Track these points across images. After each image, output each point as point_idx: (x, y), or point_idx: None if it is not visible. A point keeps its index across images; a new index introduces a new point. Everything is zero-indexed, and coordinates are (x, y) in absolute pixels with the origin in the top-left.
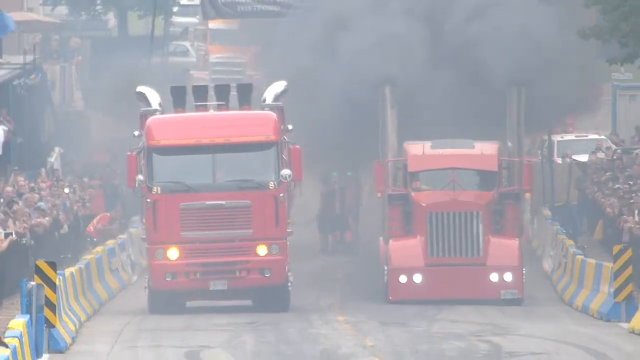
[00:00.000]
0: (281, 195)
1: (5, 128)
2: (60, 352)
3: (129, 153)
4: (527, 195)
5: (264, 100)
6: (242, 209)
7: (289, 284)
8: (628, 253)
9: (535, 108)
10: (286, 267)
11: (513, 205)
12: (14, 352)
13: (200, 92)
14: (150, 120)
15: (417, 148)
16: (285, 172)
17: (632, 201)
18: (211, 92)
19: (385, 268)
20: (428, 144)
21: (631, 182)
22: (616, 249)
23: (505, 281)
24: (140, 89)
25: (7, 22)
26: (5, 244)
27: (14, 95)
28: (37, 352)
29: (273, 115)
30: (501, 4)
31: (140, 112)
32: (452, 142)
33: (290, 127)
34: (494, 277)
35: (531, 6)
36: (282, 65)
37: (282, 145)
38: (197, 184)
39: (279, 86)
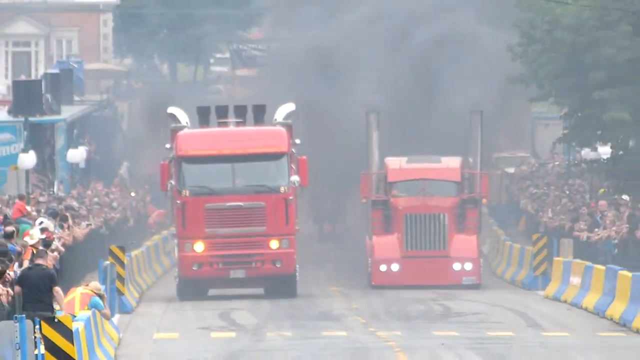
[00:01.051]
0: (290, 198)
1: (87, 148)
2: (128, 313)
3: (161, 162)
4: (484, 200)
5: (276, 119)
6: (258, 209)
7: (297, 273)
8: (543, 240)
9: (485, 131)
10: (295, 259)
11: (473, 208)
12: (94, 313)
13: (222, 111)
14: (180, 134)
15: (395, 162)
16: (294, 178)
17: (546, 201)
18: (231, 112)
19: (369, 259)
20: (404, 159)
21: (545, 188)
22: (535, 236)
23: (465, 270)
24: (170, 109)
25: (80, 75)
26: (85, 231)
27: (93, 124)
28: (111, 311)
29: (284, 130)
30: (466, 48)
31: (170, 128)
32: (423, 157)
33: (298, 141)
34: (456, 266)
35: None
36: (287, 94)
37: (291, 156)
38: (220, 188)
39: (288, 107)
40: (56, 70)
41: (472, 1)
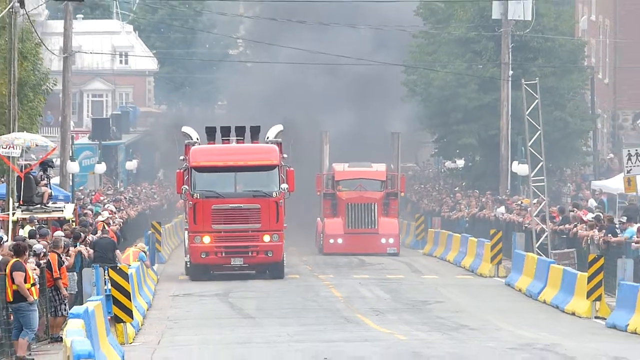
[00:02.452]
0: (280, 201)
1: (137, 161)
2: (163, 263)
3: (177, 171)
4: (402, 194)
5: (268, 137)
6: (254, 210)
7: (284, 261)
8: (422, 218)
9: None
10: (282, 250)
11: (394, 199)
12: (141, 263)
13: (225, 131)
14: (192, 148)
15: (340, 167)
16: (284, 185)
17: (424, 194)
18: (233, 131)
19: (322, 235)
20: (346, 164)
21: (424, 185)
22: (417, 216)
23: (389, 243)
24: (184, 128)
25: (134, 115)
26: (136, 212)
27: (142, 145)
28: (152, 262)
29: (276, 147)
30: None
31: (184, 143)
32: (359, 163)
33: (285, 155)
34: (383, 240)
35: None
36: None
37: (281, 167)
38: (224, 192)
39: (277, 128)
40: (119, 112)
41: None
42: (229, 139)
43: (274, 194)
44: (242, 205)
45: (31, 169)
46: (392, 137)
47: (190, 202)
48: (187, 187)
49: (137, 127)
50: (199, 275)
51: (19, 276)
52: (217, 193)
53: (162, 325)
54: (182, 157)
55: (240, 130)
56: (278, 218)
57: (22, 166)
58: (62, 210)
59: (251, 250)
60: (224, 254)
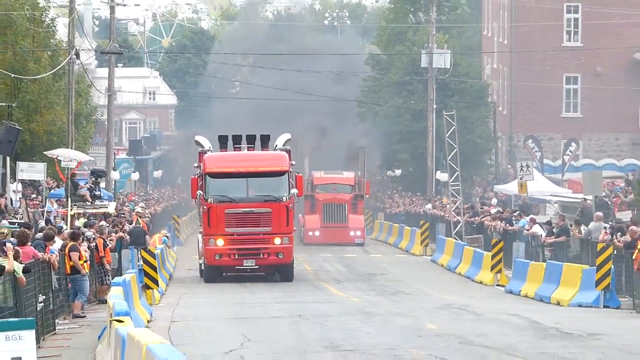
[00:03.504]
0: (290, 205)
1: (162, 171)
2: (181, 245)
3: (192, 177)
4: (367, 196)
5: (276, 145)
6: (265, 213)
7: (294, 262)
8: (370, 213)
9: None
10: (292, 251)
11: (361, 200)
12: (165, 246)
13: (237, 139)
14: (206, 155)
15: (318, 174)
16: (293, 190)
17: (386, 199)
18: (244, 140)
19: (302, 228)
20: (323, 172)
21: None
22: (366, 210)
23: (357, 235)
24: (197, 138)
25: (159, 137)
26: (159, 208)
27: (166, 159)
28: (172, 245)
29: (285, 154)
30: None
31: (198, 151)
32: (333, 171)
33: (293, 162)
34: (351, 232)
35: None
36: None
37: (290, 173)
38: (237, 197)
39: (285, 136)
40: (148, 135)
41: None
42: (240, 147)
43: (284, 198)
44: (253, 209)
45: (72, 175)
46: (359, 150)
47: (205, 207)
48: (202, 193)
49: (162, 146)
50: (212, 277)
51: (74, 255)
52: (230, 198)
53: (180, 291)
54: (195, 165)
55: (250, 139)
56: (288, 221)
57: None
58: (107, 207)
59: (263, 252)
60: (236, 256)
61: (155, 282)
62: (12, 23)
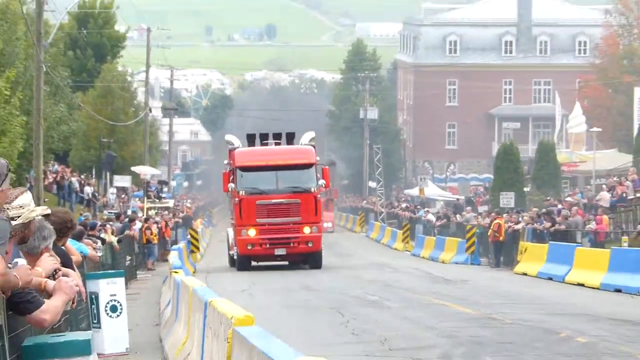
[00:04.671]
0: (318, 196)
1: (201, 181)
2: (214, 227)
3: (223, 172)
4: (335, 198)
5: (301, 142)
6: (295, 204)
7: (322, 251)
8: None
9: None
10: (321, 240)
11: (331, 201)
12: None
13: (264, 137)
14: (237, 150)
15: None
16: (321, 182)
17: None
18: (270, 137)
19: None
20: None
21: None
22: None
23: (329, 226)
24: (227, 137)
25: (201, 159)
26: (200, 203)
27: (203, 174)
28: (208, 225)
29: (312, 148)
30: None
31: (228, 149)
32: None
33: (318, 158)
34: (325, 224)
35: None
36: None
37: (317, 166)
38: (267, 189)
39: (309, 134)
40: (193, 159)
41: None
42: (267, 143)
43: (312, 189)
44: (283, 200)
45: (147, 184)
46: (330, 165)
47: (236, 199)
48: (234, 186)
49: (201, 166)
50: (245, 266)
51: (148, 232)
52: (260, 190)
53: (214, 254)
54: (226, 162)
55: (277, 136)
56: (316, 211)
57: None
58: (168, 203)
59: (293, 241)
60: (268, 245)
61: (197, 248)
62: (111, 90)
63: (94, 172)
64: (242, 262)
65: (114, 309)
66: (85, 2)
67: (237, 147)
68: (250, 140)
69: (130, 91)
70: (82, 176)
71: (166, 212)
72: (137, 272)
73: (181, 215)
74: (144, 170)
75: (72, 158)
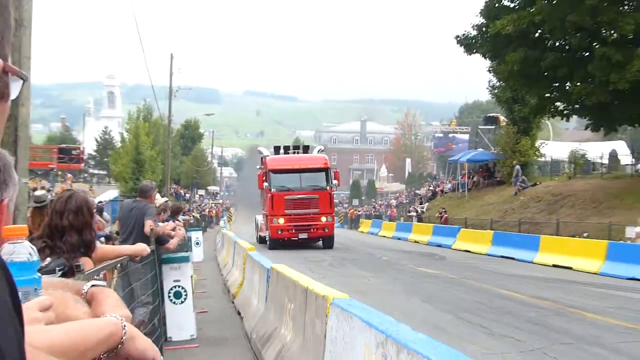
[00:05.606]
0: (332, 193)
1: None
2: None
3: (258, 173)
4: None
5: (315, 152)
6: (314, 199)
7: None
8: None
9: None
10: (334, 227)
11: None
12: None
13: (286, 148)
14: (268, 158)
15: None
16: (334, 182)
17: None
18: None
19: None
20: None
21: None
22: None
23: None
24: (259, 148)
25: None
26: (219, 209)
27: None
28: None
29: (326, 156)
30: None
31: (260, 157)
32: None
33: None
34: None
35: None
36: None
37: (329, 170)
38: (293, 187)
39: (319, 147)
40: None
41: None
42: (289, 152)
43: (327, 187)
44: (305, 196)
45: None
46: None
47: (269, 195)
48: (267, 184)
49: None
50: (275, 247)
51: (212, 212)
52: (288, 187)
53: (238, 224)
54: (258, 167)
55: (296, 147)
56: (331, 204)
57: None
58: (219, 201)
59: (313, 227)
60: (293, 230)
61: (231, 219)
62: (197, 155)
63: (190, 188)
64: (273, 244)
65: (177, 295)
66: (189, 120)
67: (267, 156)
68: (277, 150)
69: (205, 155)
70: (185, 189)
71: (219, 204)
72: (207, 228)
73: (225, 206)
74: (212, 188)
75: (182, 182)
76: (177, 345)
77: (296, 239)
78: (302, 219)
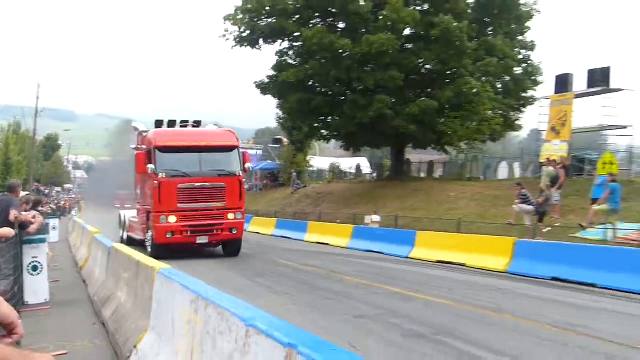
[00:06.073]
0: (243, 180)
1: None
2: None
3: (137, 153)
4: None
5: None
6: (219, 188)
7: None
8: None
9: None
10: (243, 227)
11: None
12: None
13: (171, 123)
14: (154, 131)
15: None
16: (248, 165)
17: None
18: (178, 124)
19: None
20: None
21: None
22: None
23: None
24: (133, 124)
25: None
26: (72, 202)
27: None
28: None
29: (233, 131)
30: None
31: (137, 133)
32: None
33: (240, 142)
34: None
35: None
36: None
37: (240, 150)
38: (190, 172)
39: (214, 124)
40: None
41: None
42: (186, 125)
43: (237, 173)
44: (207, 184)
45: None
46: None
47: (155, 182)
48: (153, 168)
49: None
50: (161, 255)
51: (66, 205)
52: (183, 172)
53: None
54: (133, 146)
55: (184, 123)
56: (241, 196)
57: None
58: (73, 197)
59: (216, 228)
60: (189, 233)
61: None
62: None
63: (49, 186)
64: (158, 251)
65: (35, 268)
66: (50, 134)
67: (147, 131)
68: (159, 125)
69: (62, 161)
70: (45, 186)
71: (72, 198)
72: (62, 217)
73: (76, 200)
74: (67, 186)
75: (43, 181)
76: (34, 308)
77: (193, 244)
78: (201, 217)
